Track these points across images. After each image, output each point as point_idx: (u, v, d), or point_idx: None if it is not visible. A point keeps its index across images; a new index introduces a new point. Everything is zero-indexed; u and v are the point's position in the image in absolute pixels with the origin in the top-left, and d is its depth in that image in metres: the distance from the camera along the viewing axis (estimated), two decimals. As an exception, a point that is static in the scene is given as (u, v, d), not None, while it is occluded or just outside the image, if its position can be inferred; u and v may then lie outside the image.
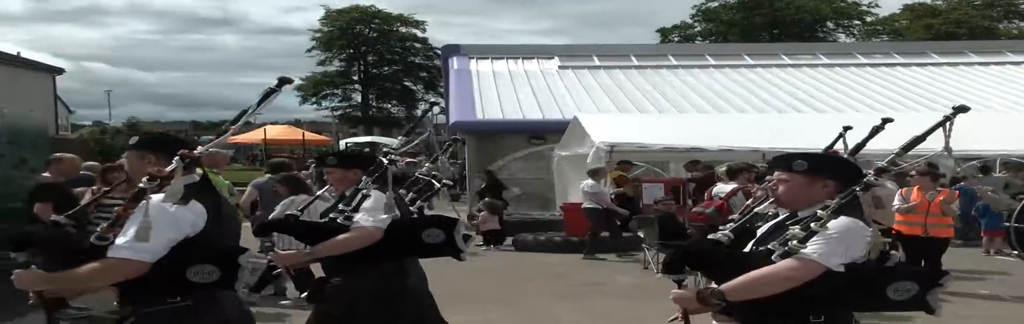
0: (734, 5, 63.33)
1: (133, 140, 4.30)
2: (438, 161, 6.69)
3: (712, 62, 32.87)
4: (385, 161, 5.44)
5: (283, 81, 4.12)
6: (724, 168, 12.76)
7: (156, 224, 3.69)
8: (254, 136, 45.20)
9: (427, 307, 5.74)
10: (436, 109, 6.00)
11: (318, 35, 69.90)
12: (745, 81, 30.27)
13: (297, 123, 70.81)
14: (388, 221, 5.34)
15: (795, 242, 3.66)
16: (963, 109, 4.08)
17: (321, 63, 70.72)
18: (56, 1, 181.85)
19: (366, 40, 70.11)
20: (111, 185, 9.10)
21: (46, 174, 9.74)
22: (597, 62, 32.36)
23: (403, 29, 70.52)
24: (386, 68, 72.01)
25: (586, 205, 15.65)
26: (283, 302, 10.26)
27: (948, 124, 4.10)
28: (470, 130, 24.48)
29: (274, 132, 47.08)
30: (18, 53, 46.13)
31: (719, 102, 27.28)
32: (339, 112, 71.69)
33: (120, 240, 3.76)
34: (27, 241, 4.05)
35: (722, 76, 31.03)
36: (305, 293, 5.88)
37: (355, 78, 71.67)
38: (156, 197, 3.77)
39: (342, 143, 52.32)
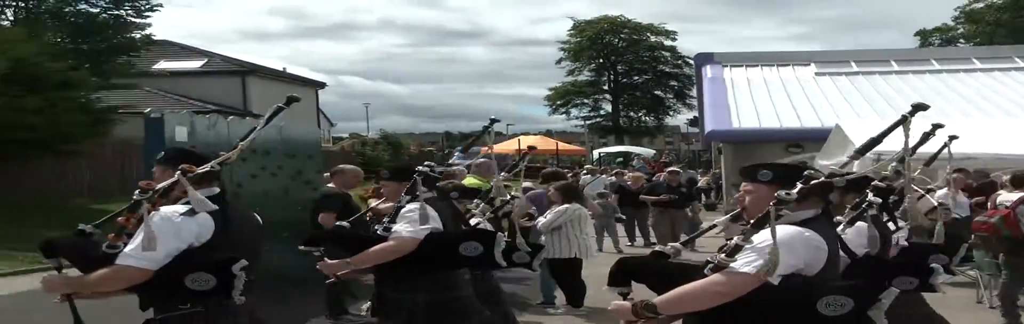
0: (1001, 5, 60.28)
1: (160, 155, 4.54)
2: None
3: (979, 66, 31.39)
4: (417, 175, 5.53)
5: (291, 100, 4.31)
6: (1008, 176, 12.09)
7: (160, 234, 3.93)
8: (510, 146, 45.93)
9: (489, 318, 5.73)
10: (494, 126, 5.92)
11: (567, 46, 70.58)
12: (1016, 85, 28.74)
13: (548, 133, 71.61)
14: (425, 232, 5.36)
15: (722, 256, 3.54)
16: (921, 107, 3.87)
17: (570, 73, 71.40)
18: (313, 18, 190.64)
19: (615, 50, 70.34)
20: (378, 194, 9.49)
21: (331, 185, 10.13)
22: (855, 68, 31.44)
23: (653, 38, 70.39)
24: (636, 77, 72.05)
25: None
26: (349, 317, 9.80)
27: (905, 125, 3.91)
28: (726, 139, 24.16)
29: (528, 142, 47.69)
30: (284, 69, 48.52)
31: (988, 107, 25.99)
32: (589, 122, 72.14)
33: (128, 248, 4.01)
34: (52, 249, 4.35)
35: (991, 80, 29.59)
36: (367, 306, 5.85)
37: (605, 88, 71.99)
38: (165, 208, 4.07)
39: (595, 153, 52.56)
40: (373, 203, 10.28)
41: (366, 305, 5.89)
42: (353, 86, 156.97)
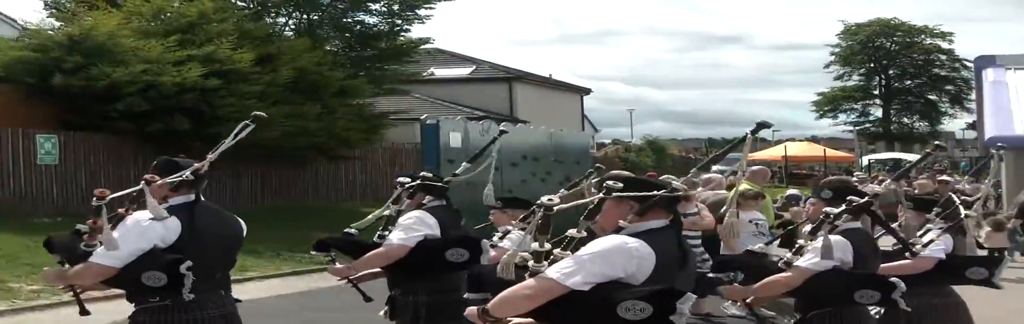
0: None
1: (154, 163, 5.00)
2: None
3: None
4: (399, 185, 5.97)
5: (257, 118, 4.84)
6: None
7: (127, 235, 4.48)
8: (774, 153, 45.05)
9: None
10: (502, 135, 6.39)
11: (837, 50, 68.69)
12: None
13: (813, 139, 69.86)
14: (416, 239, 5.71)
15: (531, 263, 3.80)
16: (765, 125, 4.36)
17: (839, 78, 69.44)
18: (575, 25, 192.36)
19: (887, 53, 67.98)
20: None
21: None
22: None
23: (928, 41, 67.64)
24: (908, 81, 69.40)
25: None
26: None
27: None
28: (1010, 145, 22.86)
29: (795, 149, 46.65)
30: (549, 75, 49.06)
31: None
32: (858, 127, 69.94)
33: (99, 248, 4.53)
34: (49, 245, 4.97)
35: None
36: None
37: (875, 92, 69.65)
38: (138, 213, 4.61)
39: (864, 159, 50.88)
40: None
41: (383, 311, 6.18)
42: (616, 92, 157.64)
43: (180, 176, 4.75)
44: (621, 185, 3.95)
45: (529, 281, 3.76)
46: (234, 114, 20.83)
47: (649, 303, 3.59)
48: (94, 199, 4.58)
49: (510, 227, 6.31)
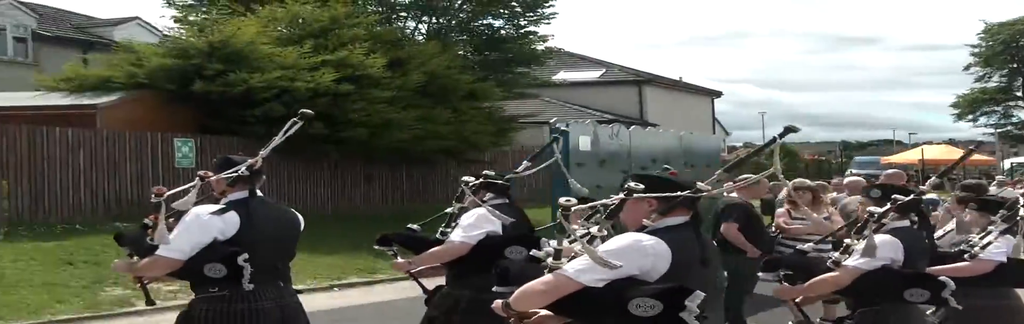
0: None
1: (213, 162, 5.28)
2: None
3: None
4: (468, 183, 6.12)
5: (305, 115, 5.09)
6: None
7: (188, 229, 4.76)
8: (911, 156, 43.93)
9: None
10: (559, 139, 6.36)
11: (977, 50, 66.74)
12: None
13: (952, 142, 67.94)
14: (478, 237, 5.83)
15: (550, 260, 3.86)
16: (793, 130, 4.25)
17: (979, 79, 67.44)
18: (705, 28, 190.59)
19: (1032, 53, 65.81)
20: (795, 203, 9.31)
21: (734, 195, 9.98)
22: None
23: (1077, 39, 65.32)
24: (1053, 82, 67.08)
25: None
26: None
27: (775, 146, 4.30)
28: None
29: (932, 152, 45.42)
30: (680, 78, 48.72)
31: None
32: (999, 130, 67.79)
33: (165, 241, 4.79)
34: (119, 239, 5.31)
35: None
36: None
37: (1018, 94, 67.44)
38: (199, 208, 4.84)
39: (1006, 163, 49.32)
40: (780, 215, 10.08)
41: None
42: (746, 95, 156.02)
43: (235, 172, 5.00)
44: (642, 186, 3.96)
45: (546, 276, 3.83)
46: (366, 118, 21.17)
47: (659, 300, 3.65)
48: (152, 196, 4.90)
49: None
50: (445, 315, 5.99)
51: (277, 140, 5.06)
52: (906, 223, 5.36)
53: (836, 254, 5.18)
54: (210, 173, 5.09)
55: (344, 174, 23.61)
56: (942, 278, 5.01)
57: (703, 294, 3.65)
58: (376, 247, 6.41)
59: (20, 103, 20.73)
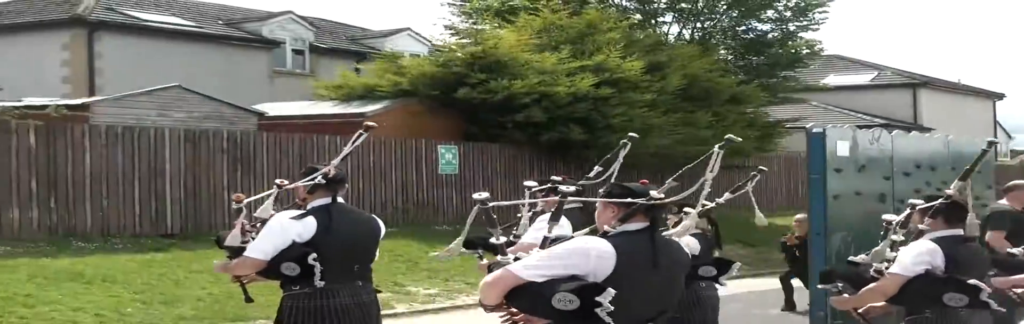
0: None
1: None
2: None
3: None
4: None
5: (369, 128, 5.34)
6: None
7: (270, 232, 5.24)
8: None
9: None
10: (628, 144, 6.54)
11: None
12: None
13: None
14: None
15: (499, 256, 4.42)
16: (732, 140, 4.65)
17: None
18: (985, 26, 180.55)
19: None
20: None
21: (1003, 202, 9.37)
22: None
23: None
24: None
25: None
26: None
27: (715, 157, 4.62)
28: None
29: None
30: (958, 80, 46.48)
31: None
32: None
33: (251, 242, 5.38)
34: (218, 242, 5.91)
35: None
36: None
37: None
38: (281, 213, 5.37)
39: None
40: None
41: None
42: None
43: (312, 179, 5.39)
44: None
45: (496, 271, 4.25)
46: (625, 123, 21.12)
47: (577, 296, 3.98)
48: (234, 202, 5.65)
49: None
50: None
51: (347, 150, 5.39)
52: (957, 231, 5.41)
53: (880, 264, 5.41)
54: (286, 182, 5.66)
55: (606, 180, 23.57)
56: (972, 282, 5.12)
57: (614, 291, 3.98)
58: (463, 251, 6.21)
59: (295, 112, 21.76)
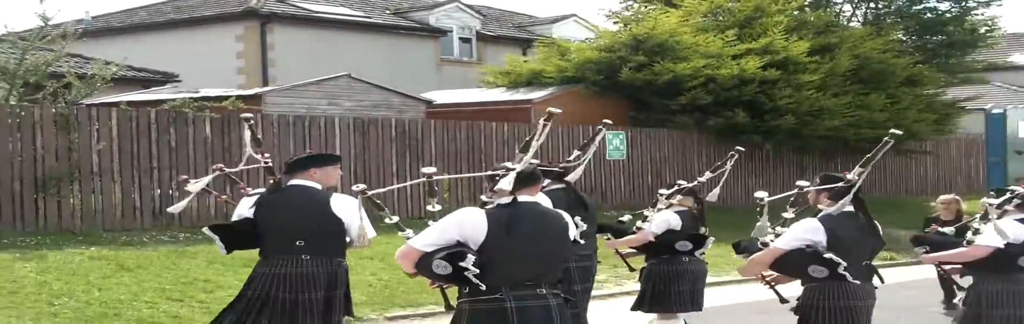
0: None
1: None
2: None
3: None
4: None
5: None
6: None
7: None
8: None
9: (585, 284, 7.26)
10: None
11: None
12: None
13: None
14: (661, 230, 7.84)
15: (400, 233, 5.33)
16: (606, 126, 7.05)
17: None
18: None
19: None
20: None
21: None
22: None
23: None
24: None
25: None
26: None
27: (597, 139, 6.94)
28: None
29: None
30: None
31: None
32: None
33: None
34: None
35: None
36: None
37: None
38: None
39: None
40: None
41: None
42: None
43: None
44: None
45: (402, 246, 4.94)
46: (792, 105, 20.73)
47: (448, 262, 4.70)
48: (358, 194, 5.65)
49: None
50: (645, 283, 8.00)
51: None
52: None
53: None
54: (224, 167, 6.27)
55: (776, 164, 23.17)
56: (828, 256, 5.75)
57: (473, 257, 4.69)
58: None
59: (462, 100, 21.96)
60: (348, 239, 6.37)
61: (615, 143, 20.28)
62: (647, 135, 20.95)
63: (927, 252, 7.11)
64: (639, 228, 7.78)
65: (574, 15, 32.65)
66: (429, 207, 5.39)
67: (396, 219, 5.45)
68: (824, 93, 21.38)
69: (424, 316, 10.87)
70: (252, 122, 6.64)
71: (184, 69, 22.70)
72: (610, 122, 7.84)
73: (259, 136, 6.36)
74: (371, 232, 6.28)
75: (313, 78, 19.47)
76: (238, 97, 16.95)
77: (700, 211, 8.10)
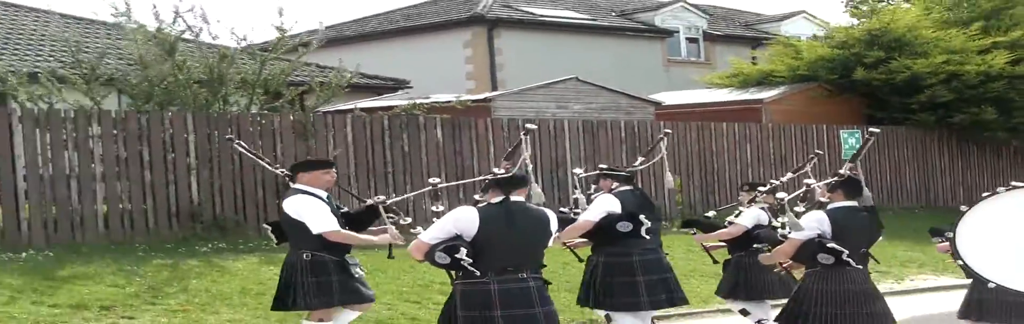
0: None
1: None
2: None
3: None
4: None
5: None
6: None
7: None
8: None
9: (659, 275, 7.87)
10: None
11: None
12: None
13: None
14: (599, 216, 7.73)
15: (418, 227, 6.32)
16: (528, 131, 7.31)
17: None
18: None
19: None
20: None
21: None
22: None
23: None
24: None
25: None
26: None
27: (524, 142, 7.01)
28: None
29: None
30: None
31: None
32: None
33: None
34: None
35: None
36: None
37: None
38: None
39: None
40: None
41: None
42: None
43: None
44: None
45: (414, 240, 5.92)
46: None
47: (445, 253, 5.68)
48: (373, 201, 7.28)
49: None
50: (592, 271, 7.94)
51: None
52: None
53: None
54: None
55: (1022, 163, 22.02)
56: (831, 245, 6.47)
57: (465, 249, 5.67)
58: (682, 230, 9.21)
59: (691, 100, 21.65)
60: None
61: (850, 142, 19.58)
62: (885, 133, 20.16)
63: (695, 234, 8.81)
64: (731, 223, 8.63)
65: (804, 12, 31.79)
66: (433, 208, 6.56)
67: (409, 220, 7.12)
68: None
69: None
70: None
71: (414, 76, 23.13)
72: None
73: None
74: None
75: (541, 81, 19.52)
76: (468, 99, 17.13)
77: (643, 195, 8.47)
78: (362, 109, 16.54)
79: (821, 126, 19.42)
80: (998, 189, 6.80)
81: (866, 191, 6.64)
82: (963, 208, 6.63)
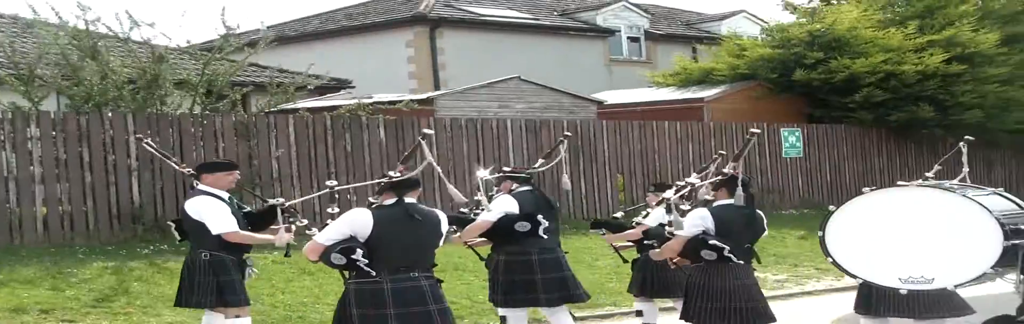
0: None
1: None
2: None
3: None
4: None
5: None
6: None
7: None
8: None
9: (557, 273, 8.01)
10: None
11: None
12: None
13: None
14: (497, 216, 7.79)
15: (314, 229, 6.52)
16: (426, 136, 6.91)
17: None
18: None
19: None
20: None
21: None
22: None
23: None
24: None
25: None
26: None
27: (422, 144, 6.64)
28: None
29: None
30: None
31: None
32: None
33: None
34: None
35: None
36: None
37: None
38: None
39: None
40: None
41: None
42: None
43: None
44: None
45: (309, 242, 5.96)
46: (978, 100, 20.01)
47: (342, 254, 5.79)
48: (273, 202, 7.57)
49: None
50: (494, 271, 8.08)
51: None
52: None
53: None
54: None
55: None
56: (712, 242, 6.72)
57: (361, 250, 5.78)
58: (591, 231, 9.69)
59: (633, 99, 21.77)
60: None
61: (791, 140, 19.81)
62: (824, 132, 20.43)
63: (604, 234, 9.14)
64: (637, 223, 8.72)
65: (743, 11, 32.06)
66: (329, 210, 6.74)
67: (306, 222, 7.44)
68: (1012, 86, 20.60)
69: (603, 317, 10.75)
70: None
71: (356, 75, 23.02)
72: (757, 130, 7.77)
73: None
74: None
75: (484, 81, 19.54)
76: (411, 101, 17.12)
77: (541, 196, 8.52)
78: (304, 109, 16.46)
79: (762, 124, 19.60)
80: (863, 189, 7.44)
81: (739, 191, 6.79)
82: (831, 208, 7.28)
